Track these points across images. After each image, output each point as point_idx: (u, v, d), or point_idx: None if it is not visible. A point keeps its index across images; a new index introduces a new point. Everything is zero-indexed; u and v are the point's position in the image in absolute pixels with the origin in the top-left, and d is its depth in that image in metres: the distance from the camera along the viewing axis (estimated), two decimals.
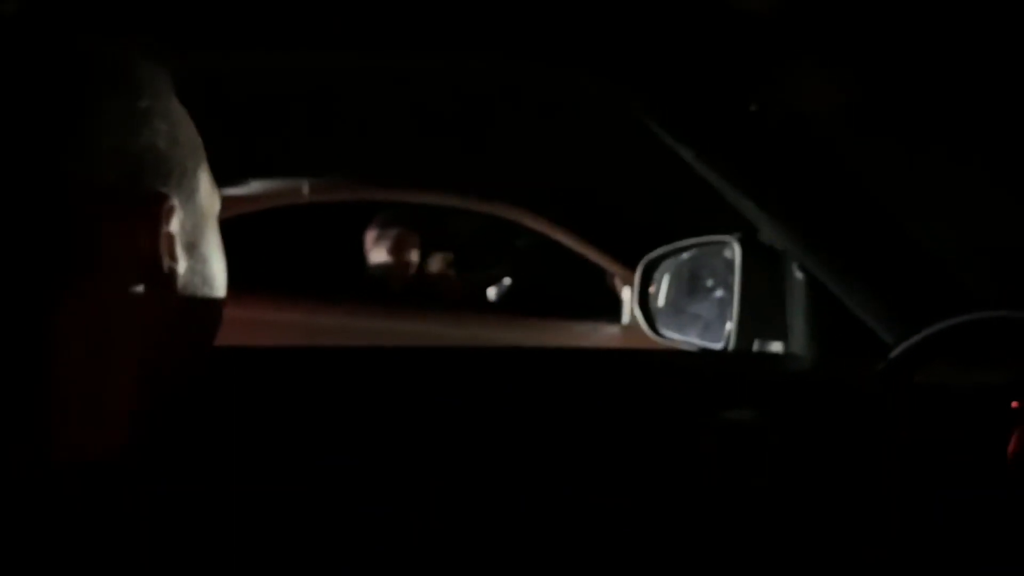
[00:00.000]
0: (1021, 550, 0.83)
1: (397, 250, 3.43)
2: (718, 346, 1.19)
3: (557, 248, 3.57)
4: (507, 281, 3.60)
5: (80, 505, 0.50)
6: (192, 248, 0.56)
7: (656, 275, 1.38)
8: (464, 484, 0.89)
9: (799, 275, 1.05)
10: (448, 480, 0.89)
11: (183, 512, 0.67)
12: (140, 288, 0.51)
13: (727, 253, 1.18)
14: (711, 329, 1.24)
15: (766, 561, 0.94)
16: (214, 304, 0.59)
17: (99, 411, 0.51)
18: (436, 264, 3.54)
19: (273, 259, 3.09)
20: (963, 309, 0.85)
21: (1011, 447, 0.84)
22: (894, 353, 0.82)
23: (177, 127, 0.56)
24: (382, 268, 3.44)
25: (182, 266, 0.54)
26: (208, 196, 0.59)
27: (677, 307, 1.35)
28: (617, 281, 3.58)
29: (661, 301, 1.38)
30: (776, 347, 1.11)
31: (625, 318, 3.50)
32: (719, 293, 1.24)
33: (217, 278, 0.59)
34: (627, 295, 3.51)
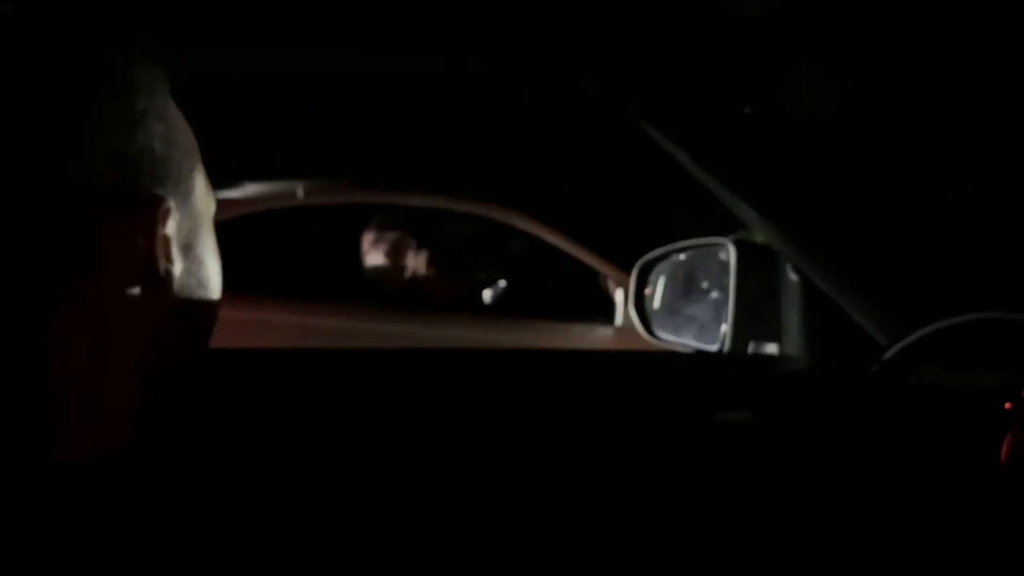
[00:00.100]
0: (1015, 551, 0.83)
1: (394, 253, 3.43)
2: (713, 348, 1.20)
3: (551, 250, 3.58)
4: (502, 283, 3.60)
5: (79, 505, 0.50)
6: (188, 250, 0.56)
7: (652, 277, 1.38)
8: (462, 486, 0.89)
9: (794, 277, 1.06)
10: (446, 482, 0.89)
11: (183, 513, 0.68)
12: (136, 289, 0.51)
13: (722, 255, 1.19)
14: (706, 331, 1.24)
15: (762, 562, 0.94)
16: (209, 305, 0.59)
17: (98, 411, 0.51)
18: (431, 266, 3.55)
19: (268, 261, 3.09)
20: (957, 310, 0.85)
21: (1005, 448, 0.84)
22: (888, 354, 0.83)
23: (173, 129, 0.56)
24: (379, 271, 3.44)
25: (178, 268, 0.54)
26: (203, 198, 0.59)
27: (673, 309, 1.35)
28: (610, 283, 3.59)
29: (657, 303, 1.38)
30: (771, 348, 1.12)
31: (618, 320, 3.51)
32: (714, 295, 1.25)
33: (212, 280, 0.59)
34: (620, 297, 3.51)
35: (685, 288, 1.34)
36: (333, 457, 0.87)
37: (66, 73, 0.50)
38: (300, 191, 3.35)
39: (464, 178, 3.58)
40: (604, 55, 0.87)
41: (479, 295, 3.61)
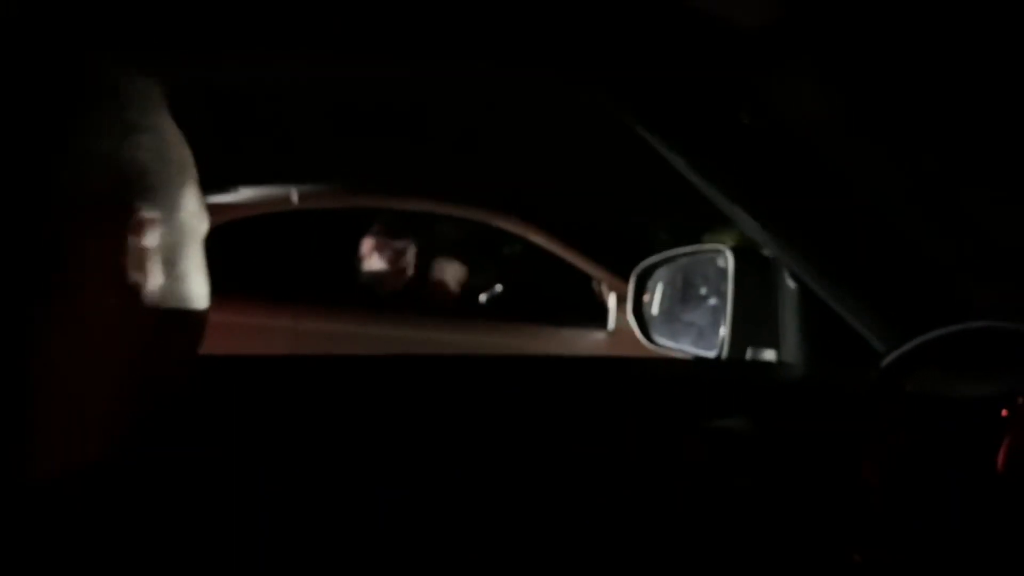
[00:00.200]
0: (1013, 558, 0.84)
1: (394, 258, 3.43)
2: (711, 354, 1.21)
3: (545, 255, 3.59)
4: (497, 287, 3.61)
5: (66, 515, 0.50)
6: (170, 265, 0.55)
7: (650, 283, 1.39)
8: (460, 491, 0.89)
9: (791, 284, 1.07)
10: (444, 488, 0.89)
11: (174, 520, 0.67)
12: (108, 299, 0.51)
13: (720, 261, 1.20)
14: (705, 337, 1.25)
15: (757, 568, 0.94)
16: (193, 321, 0.58)
17: (80, 421, 0.51)
18: (427, 271, 3.55)
19: (263, 265, 3.09)
20: (955, 318, 0.86)
21: (1001, 455, 0.85)
22: (886, 361, 0.83)
23: (165, 144, 0.55)
24: (377, 275, 3.44)
25: (155, 281, 0.53)
26: (193, 216, 0.58)
27: (671, 315, 1.36)
28: (603, 287, 3.60)
29: (655, 309, 1.39)
30: (769, 355, 1.13)
31: (611, 324, 3.52)
32: (712, 301, 1.26)
33: (196, 299, 0.58)
34: (613, 301, 3.53)
35: (683, 294, 1.35)
36: (328, 465, 0.87)
37: (52, 77, 0.50)
38: (294, 195, 3.35)
39: (459, 183, 3.58)
40: (602, 65, 0.87)
41: (474, 299, 3.61)
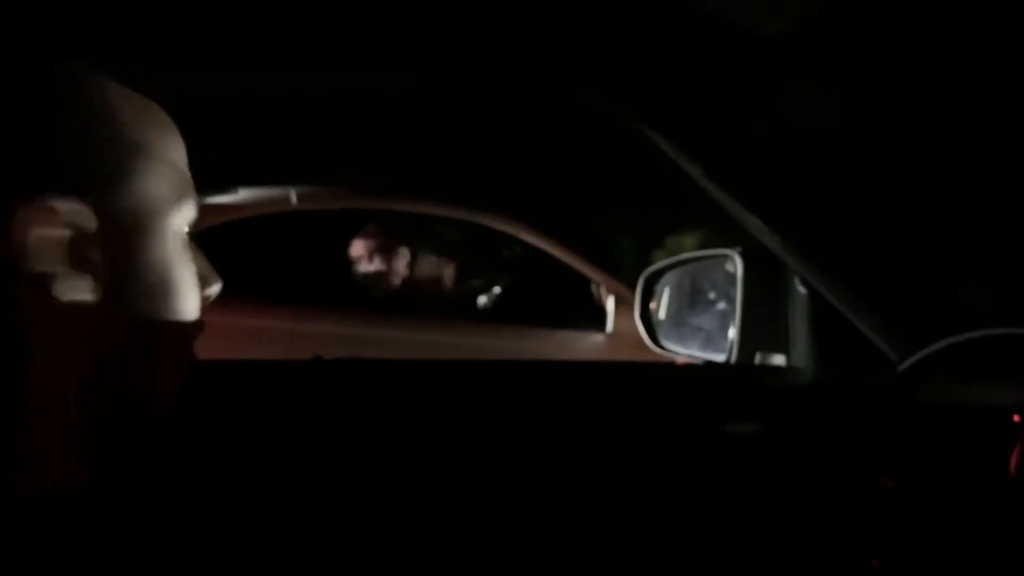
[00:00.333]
0: None
1: (386, 259, 3.43)
2: (720, 358, 1.21)
3: (543, 257, 3.59)
4: (495, 289, 3.61)
5: (47, 538, 0.49)
6: (117, 257, 0.50)
7: (657, 288, 1.39)
8: (470, 493, 0.89)
9: (801, 288, 1.07)
10: (453, 488, 0.89)
11: (173, 525, 0.67)
12: (10, 293, 0.47)
13: (728, 266, 1.20)
14: (713, 341, 1.25)
15: (766, 573, 0.95)
16: (172, 325, 0.53)
17: (52, 443, 0.49)
18: (424, 272, 3.54)
19: (262, 266, 3.08)
20: (967, 325, 0.87)
21: (1014, 460, 0.85)
22: (905, 365, 0.84)
23: (98, 125, 0.51)
24: (370, 277, 3.43)
25: (71, 276, 0.48)
26: (157, 202, 0.53)
27: (678, 320, 1.36)
28: (602, 290, 3.60)
29: (662, 314, 1.39)
30: (778, 360, 1.13)
31: (609, 326, 3.52)
32: (721, 306, 1.26)
33: (170, 296, 0.53)
34: (611, 304, 3.53)
35: (692, 299, 1.35)
36: (326, 471, 0.86)
37: None
38: (293, 196, 3.34)
39: (458, 184, 3.59)
40: (620, 71, 0.87)
41: (472, 301, 3.61)
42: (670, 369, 1.28)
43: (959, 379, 0.91)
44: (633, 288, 3.56)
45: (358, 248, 3.44)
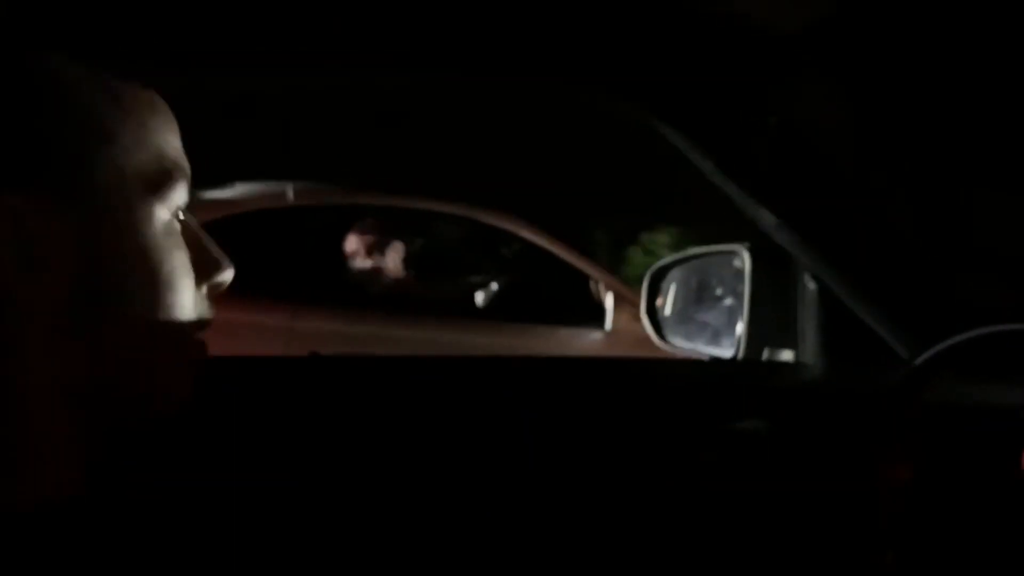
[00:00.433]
0: None
1: (379, 255, 3.42)
2: (727, 354, 1.20)
3: (542, 254, 3.59)
4: (493, 286, 3.60)
5: (44, 545, 0.48)
6: (91, 254, 0.47)
7: (663, 285, 1.39)
8: (470, 489, 0.89)
9: (811, 284, 1.06)
10: (453, 484, 0.88)
11: (175, 523, 0.67)
12: None
13: (736, 262, 1.19)
14: (720, 337, 1.24)
15: (773, 572, 0.94)
16: (159, 322, 0.50)
17: (48, 451, 0.47)
18: (421, 269, 3.54)
19: (259, 262, 3.06)
20: (978, 322, 0.86)
21: (1023, 459, 0.85)
22: (917, 362, 0.83)
23: (59, 111, 0.47)
24: (365, 273, 3.42)
25: (49, 272, 0.45)
26: (134, 189, 0.49)
27: (685, 316, 1.36)
28: (600, 287, 3.60)
29: (668, 310, 1.38)
30: (786, 356, 1.12)
31: (608, 323, 3.53)
32: (728, 302, 1.25)
33: (159, 288, 0.50)
34: (610, 301, 3.53)
35: (698, 295, 1.35)
36: (325, 467, 0.85)
37: None
38: (290, 192, 3.33)
39: (456, 181, 3.58)
40: (632, 69, 0.87)
41: (470, 298, 3.60)
42: (676, 365, 1.28)
43: (968, 377, 0.90)
44: (624, 285, 3.56)
45: (352, 243, 3.43)
